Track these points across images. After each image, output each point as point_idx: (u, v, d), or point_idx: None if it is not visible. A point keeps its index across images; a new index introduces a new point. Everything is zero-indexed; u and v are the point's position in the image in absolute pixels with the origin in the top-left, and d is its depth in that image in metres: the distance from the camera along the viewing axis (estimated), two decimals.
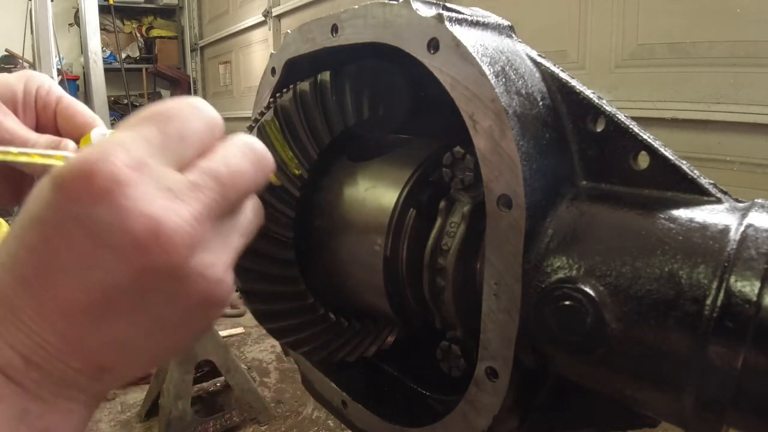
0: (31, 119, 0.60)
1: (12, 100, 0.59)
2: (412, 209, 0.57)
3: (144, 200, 0.33)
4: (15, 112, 0.59)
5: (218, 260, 0.37)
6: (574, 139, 0.50)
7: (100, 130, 0.59)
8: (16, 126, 0.57)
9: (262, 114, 0.62)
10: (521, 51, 0.52)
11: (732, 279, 0.37)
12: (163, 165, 0.35)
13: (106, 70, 6.45)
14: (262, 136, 0.59)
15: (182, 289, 0.35)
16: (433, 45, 0.48)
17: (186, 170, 0.37)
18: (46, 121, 0.62)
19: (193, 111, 0.39)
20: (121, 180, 0.32)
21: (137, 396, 3.19)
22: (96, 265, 0.33)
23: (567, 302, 0.43)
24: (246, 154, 0.40)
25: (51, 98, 0.61)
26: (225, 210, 0.38)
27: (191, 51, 8.21)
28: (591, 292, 0.42)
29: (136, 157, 0.34)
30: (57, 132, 0.61)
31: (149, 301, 0.35)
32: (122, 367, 0.38)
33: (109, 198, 0.32)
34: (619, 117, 0.48)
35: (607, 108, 0.49)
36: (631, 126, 0.48)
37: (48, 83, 0.62)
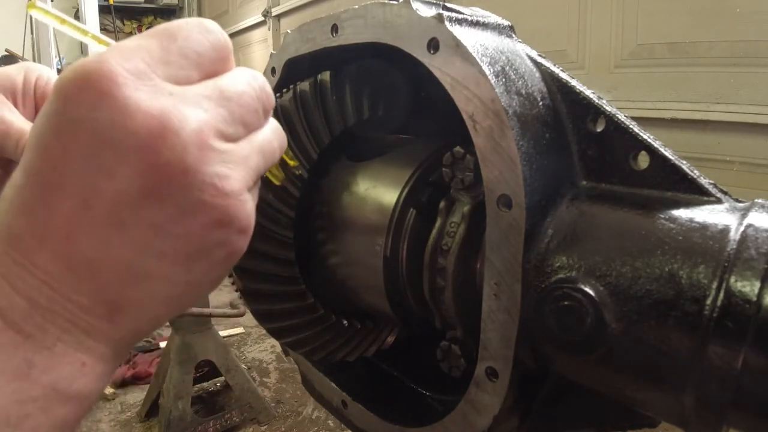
0: (30, 109, 0.60)
1: (11, 90, 0.59)
2: (412, 209, 0.57)
3: (146, 99, 0.31)
4: (14, 102, 0.59)
5: (234, 174, 0.34)
6: (574, 139, 0.50)
7: None
8: (13, 117, 0.57)
9: None
10: (521, 51, 0.52)
11: (732, 279, 0.37)
12: (160, 77, 0.33)
13: None
14: None
15: (195, 199, 0.32)
16: (433, 45, 0.48)
17: (188, 85, 0.35)
18: None
19: (201, 31, 0.36)
20: (119, 81, 0.31)
21: (137, 396, 3.19)
22: (98, 172, 0.30)
23: (567, 302, 0.43)
24: (250, 81, 0.38)
25: (50, 88, 0.62)
26: (233, 126, 0.35)
27: None
28: (591, 292, 0.42)
29: (134, 63, 0.32)
30: None
31: (160, 212, 0.32)
32: (137, 306, 0.34)
33: (108, 97, 0.30)
34: (619, 117, 0.48)
35: (607, 108, 0.49)
36: (631, 126, 0.48)
37: (47, 74, 0.62)
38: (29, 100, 0.60)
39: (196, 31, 0.36)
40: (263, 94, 0.39)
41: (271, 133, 0.40)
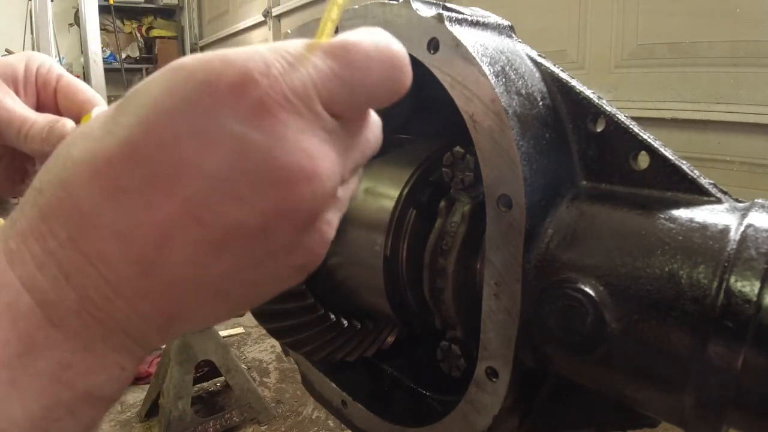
0: (32, 97, 0.61)
1: (13, 78, 0.59)
2: (412, 209, 0.57)
3: (304, 135, 0.28)
4: (16, 90, 0.59)
5: (336, 221, 0.34)
6: (574, 139, 0.50)
7: (101, 108, 0.58)
8: (15, 104, 0.57)
9: None
10: (521, 51, 0.52)
11: (732, 279, 0.37)
12: (320, 104, 0.30)
13: (106, 70, 6.44)
14: None
15: (302, 242, 0.31)
16: (433, 45, 0.48)
17: (339, 121, 0.32)
18: (47, 99, 0.62)
19: (386, 67, 0.32)
20: (284, 103, 0.27)
21: (137, 396, 3.19)
22: (227, 194, 0.27)
23: (567, 302, 0.43)
24: (378, 133, 0.37)
25: (51, 76, 0.62)
26: (350, 174, 0.35)
27: (191, 51, 8.20)
28: (591, 292, 0.42)
29: (302, 85, 0.29)
30: (57, 110, 0.61)
31: (265, 248, 0.29)
32: (191, 321, 0.31)
33: (269, 119, 0.27)
34: (619, 117, 0.48)
35: (607, 108, 0.49)
36: (631, 126, 0.48)
37: (49, 62, 0.62)
38: (31, 87, 0.61)
39: (380, 63, 0.32)
40: (377, 147, 0.38)
41: (357, 181, 0.39)
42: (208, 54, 0.29)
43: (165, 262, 0.27)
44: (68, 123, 0.56)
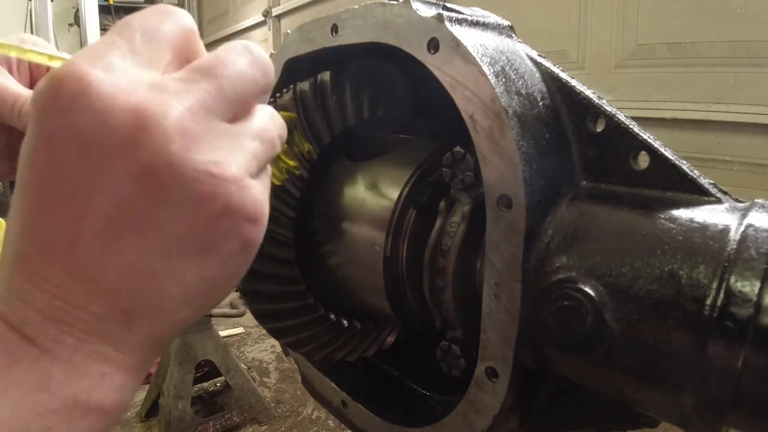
0: (25, 77, 0.61)
1: (6, 59, 0.60)
2: (412, 209, 0.57)
3: (121, 94, 0.29)
4: (9, 70, 0.60)
5: (228, 158, 0.32)
6: (574, 139, 0.50)
7: None
8: (7, 82, 0.57)
9: None
10: (521, 51, 0.52)
11: (732, 279, 0.37)
12: (135, 66, 0.32)
13: None
14: None
15: (191, 191, 0.30)
16: (433, 45, 0.48)
17: (167, 72, 0.33)
18: (40, 77, 0.62)
19: (159, 14, 0.35)
20: (90, 79, 0.29)
21: (137, 396, 3.19)
22: (87, 177, 0.29)
23: (567, 302, 0.43)
24: (242, 52, 0.36)
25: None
26: (225, 106, 0.33)
27: None
28: (591, 292, 0.42)
29: (103, 59, 0.30)
30: None
31: (157, 210, 0.30)
32: (152, 309, 0.32)
33: (81, 98, 0.29)
34: (619, 117, 0.48)
35: (607, 108, 0.49)
36: (631, 126, 0.48)
37: (41, 43, 0.63)
38: (24, 67, 0.61)
39: (154, 15, 0.35)
40: (258, 65, 0.36)
41: (269, 119, 0.37)
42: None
43: (84, 259, 0.30)
44: None
